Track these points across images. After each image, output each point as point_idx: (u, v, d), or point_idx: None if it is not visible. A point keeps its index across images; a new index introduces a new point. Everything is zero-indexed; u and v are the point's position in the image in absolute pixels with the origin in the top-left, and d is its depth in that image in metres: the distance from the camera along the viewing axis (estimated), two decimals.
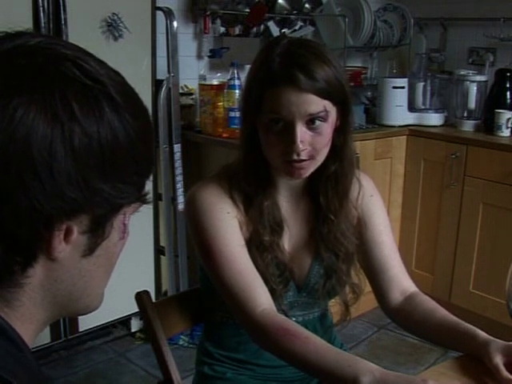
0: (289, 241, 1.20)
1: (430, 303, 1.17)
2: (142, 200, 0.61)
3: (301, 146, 1.06)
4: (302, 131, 1.06)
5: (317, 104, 1.05)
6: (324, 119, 1.07)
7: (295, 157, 1.07)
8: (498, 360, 0.97)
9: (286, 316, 1.10)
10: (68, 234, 0.55)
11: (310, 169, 1.11)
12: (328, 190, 1.17)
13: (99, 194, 0.54)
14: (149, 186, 0.63)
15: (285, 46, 1.08)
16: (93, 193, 0.54)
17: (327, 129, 1.09)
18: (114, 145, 0.54)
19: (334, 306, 1.31)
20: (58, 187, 0.52)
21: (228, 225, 1.12)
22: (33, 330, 0.59)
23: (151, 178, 0.63)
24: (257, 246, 1.14)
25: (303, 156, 1.07)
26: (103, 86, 0.55)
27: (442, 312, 1.13)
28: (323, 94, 1.05)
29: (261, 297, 1.08)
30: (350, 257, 1.21)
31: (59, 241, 0.54)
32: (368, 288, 1.26)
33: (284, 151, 1.07)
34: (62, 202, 0.52)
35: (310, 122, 1.07)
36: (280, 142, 1.07)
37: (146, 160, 0.60)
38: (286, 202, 1.20)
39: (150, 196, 0.62)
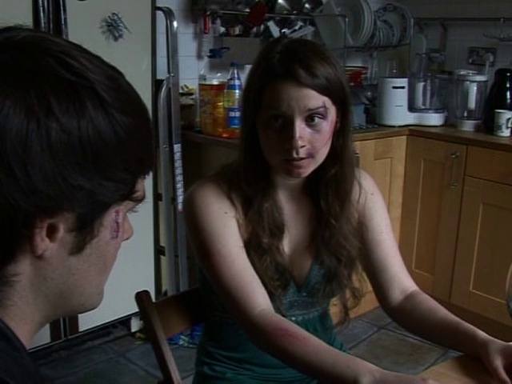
0: (289, 243, 1.19)
1: (430, 302, 1.17)
2: (132, 198, 0.60)
3: (300, 142, 1.05)
4: (300, 127, 1.06)
5: (316, 99, 1.05)
6: (323, 116, 1.07)
7: (294, 155, 1.06)
8: (498, 362, 0.97)
9: (284, 316, 1.10)
10: (52, 231, 0.54)
11: (309, 168, 1.10)
12: (328, 194, 1.16)
13: (79, 191, 0.53)
14: (143, 184, 0.61)
15: (285, 45, 1.08)
16: (72, 190, 0.53)
17: (326, 127, 1.08)
18: (96, 141, 0.53)
19: (333, 308, 1.31)
20: (34, 184, 0.51)
21: (226, 225, 1.12)
22: (28, 331, 0.58)
23: (148, 176, 0.62)
24: (255, 249, 1.13)
25: (302, 154, 1.07)
26: (88, 82, 0.54)
27: (443, 311, 1.13)
28: (323, 90, 1.05)
29: (259, 298, 1.07)
30: (352, 261, 1.20)
31: (41, 238, 0.53)
32: (368, 288, 1.26)
33: (283, 149, 1.07)
34: (38, 199, 0.51)
35: (309, 118, 1.06)
36: (279, 139, 1.07)
37: (137, 158, 0.58)
38: (286, 204, 1.19)
39: (142, 194, 0.61)
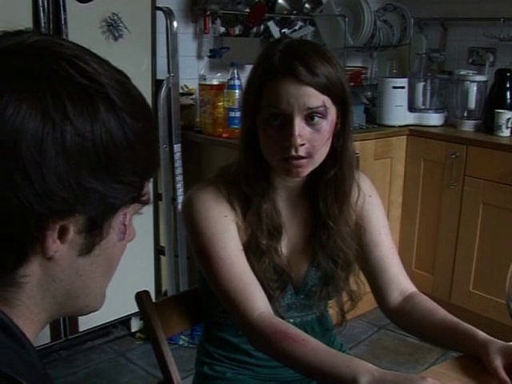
0: (286, 244, 1.19)
1: (429, 303, 1.16)
2: (140, 201, 0.61)
3: (299, 140, 1.05)
4: (300, 126, 1.06)
5: (316, 98, 1.05)
6: (323, 116, 1.07)
7: (293, 152, 1.06)
8: (498, 362, 0.97)
9: (283, 319, 1.10)
10: (63, 233, 0.54)
11: (307, 168, 1.10)
12: (327, 196, 1.16)
13: (92, 194, 0.54)
14: (148, 186, 0.62)
15: (286, 44, 1.09)
16: (85, 193, 0.53)
17: (326, 127, 1.08)
18: (108, 145, 0.54)
19: (331, 309, 1.31)
20: (49, 187, 0.51)
21: (225, 229, 1.12)
22: (34, 330, 0.59)
23: (153, 178, 0.63)
24: (254, 251, 1.13)
25: (301, 152, 1.07)
26: (100, 86, 0.54)
27: (442, 312, 1.13)
28: (323, 89, 1.05)
29: (258, 300, 1.07)
30: (349, 263, 1.20)
31: (53, 240, 0.54)
32: (367, 290, 1.26)
33: (282, 147, 1.07)
34: (52, 202, 0.52)
35: (309, 117, 1.06)
36: (278, 137, 1.07)
37: (145, 161, 0.59)
38: (284, 205, 1.19)
39: (149, 197, 0.62)
